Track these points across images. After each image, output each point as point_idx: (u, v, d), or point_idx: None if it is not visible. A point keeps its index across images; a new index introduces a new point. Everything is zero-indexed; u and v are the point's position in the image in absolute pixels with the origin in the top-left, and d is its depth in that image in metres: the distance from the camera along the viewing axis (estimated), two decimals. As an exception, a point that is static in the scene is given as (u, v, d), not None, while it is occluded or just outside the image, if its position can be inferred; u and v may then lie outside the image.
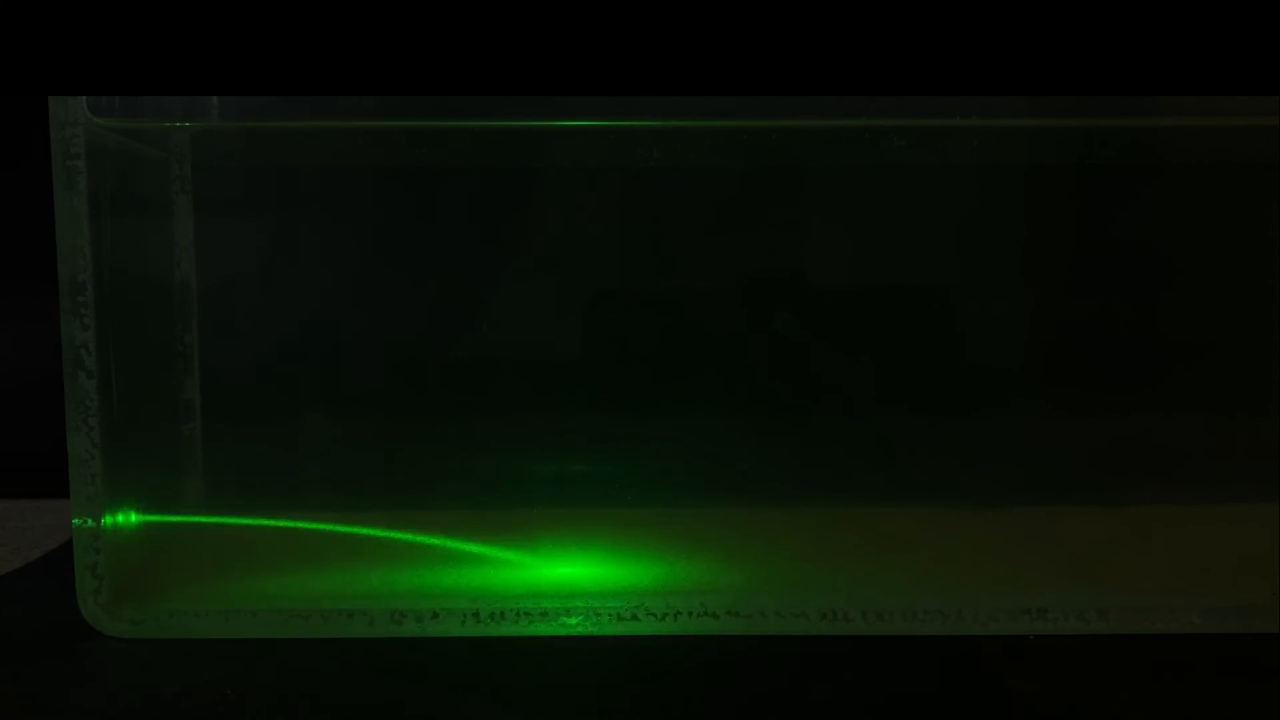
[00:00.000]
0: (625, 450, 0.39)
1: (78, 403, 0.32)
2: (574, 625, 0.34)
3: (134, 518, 0.35)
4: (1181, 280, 0.39)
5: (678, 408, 0.39)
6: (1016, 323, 0.39)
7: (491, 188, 0.39)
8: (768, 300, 0.39)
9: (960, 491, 0.39)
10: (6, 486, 0.54)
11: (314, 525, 0.38)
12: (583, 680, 0.30)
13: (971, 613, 0.34)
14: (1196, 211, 0.38)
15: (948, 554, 0.37)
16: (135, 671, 0.31)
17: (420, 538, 0.39)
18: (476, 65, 0.31)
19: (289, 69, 0.31)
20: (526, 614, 0.34)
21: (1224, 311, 0.39)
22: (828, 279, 0.39)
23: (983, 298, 0.39)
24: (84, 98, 0.32)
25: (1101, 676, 0.30)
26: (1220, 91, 0.31)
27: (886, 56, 0.31)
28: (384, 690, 0.30)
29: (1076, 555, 0.37)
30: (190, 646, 0.33)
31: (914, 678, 0.30)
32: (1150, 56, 0.30)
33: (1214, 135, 0.37)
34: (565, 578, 0.36)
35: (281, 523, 0.38)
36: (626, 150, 0.37)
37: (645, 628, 0.34)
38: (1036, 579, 0.35)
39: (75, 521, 0.33)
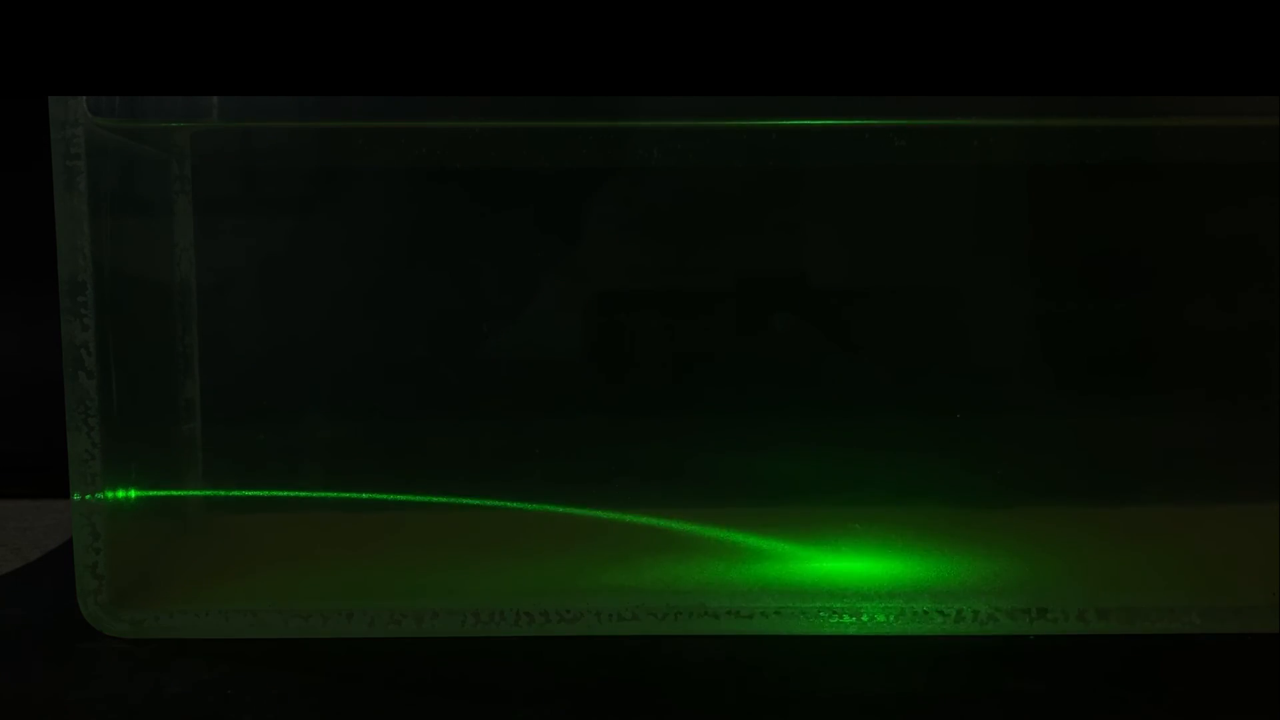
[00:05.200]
0: (624, 450, 0.39)
1: (78, 403, 0.32)
2: (573, 626, 0.34)
3: (134, 518, 0.35)
4: (1182, 280, 0.39)
5: (675, 407, 0.39)
6: (1016, 323, 0.39)
7: (492, 188, 0.39)
8: (767, 300, 0.39)
9: (960, 491, 0.39)
10: (6, 486, 0.54)
11: (312, 523, 0.39)
12: (582, 680, 0.30)
13: (971, 613, 0.34)
14: (1196, 211, 0.38)
15: (948, 554, 0.37)
16: (135, 671, 0.31)
17: (419, 538, 0.39)
18: (476, 65, 0.31)
19: (289, 69, 0.31)
20: (526, 615, 0.34)
21: (1224, 311, 0.39)
22: (827, 279, 0.39)
23: (982, 297, 0.39)
24: (84, 98, 0.32)
25: (1101, 676, 0.30)
26: (1220, 91, 0.31)
27: (886, 56, 0.31)
28: (383, 690, 0.30)
29: (1076, 555, 0.37)
30: (190, 646, 0.33)
31: (914, 677, 0.30)
32: (1150, 56, 0.30)
33: (1214, 135, 0.37)
34: (567, 578, 0.36)
35: (280, 523, 0.38)
36: (626, 150, 0.37)
37: (645, 628, 0.34)
38: (1036, 579, 0.35)
39: (75, 521, 0.33)
